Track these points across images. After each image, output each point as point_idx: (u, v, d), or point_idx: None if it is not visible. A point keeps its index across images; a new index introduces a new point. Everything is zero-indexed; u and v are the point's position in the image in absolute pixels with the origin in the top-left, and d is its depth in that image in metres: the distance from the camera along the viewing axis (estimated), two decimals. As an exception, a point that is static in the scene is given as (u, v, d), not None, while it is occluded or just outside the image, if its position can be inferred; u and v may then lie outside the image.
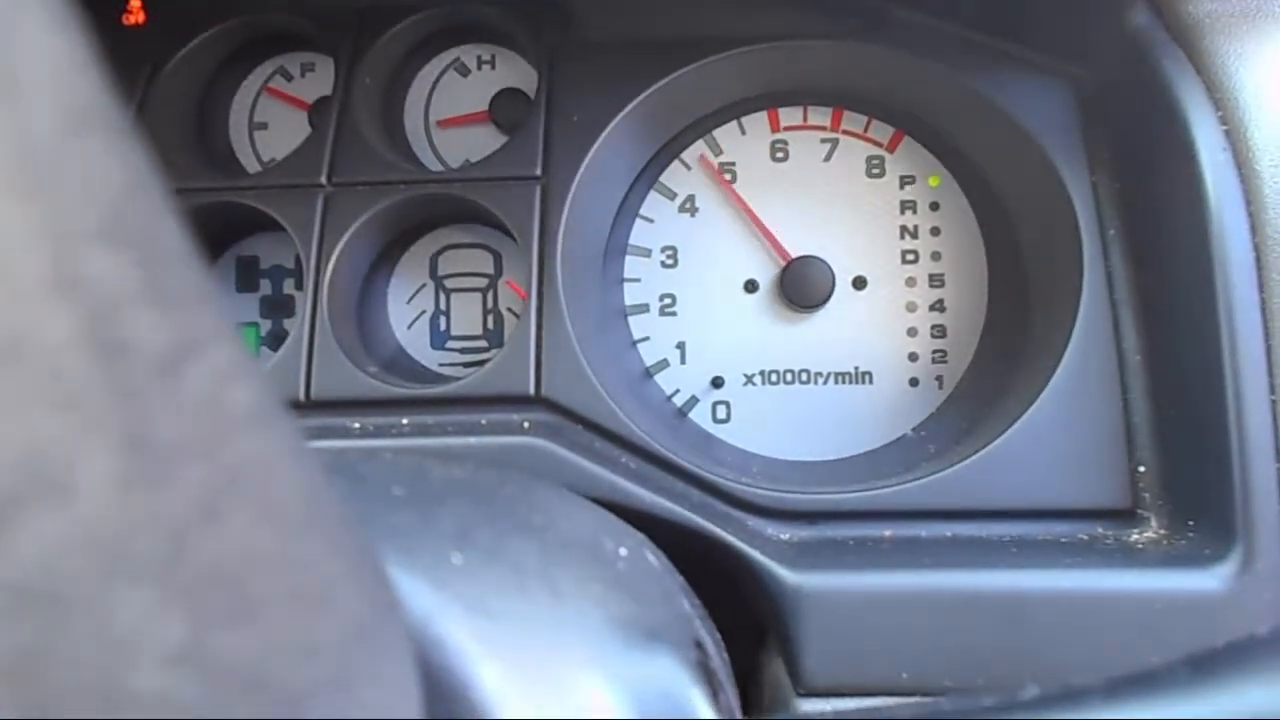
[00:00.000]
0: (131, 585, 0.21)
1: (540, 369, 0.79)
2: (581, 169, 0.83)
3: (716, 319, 0.92)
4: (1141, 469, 0.74)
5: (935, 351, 0.90)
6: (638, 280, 0.92)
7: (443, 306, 0.95)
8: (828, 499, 0.75)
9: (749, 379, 0.91)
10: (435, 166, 0.95)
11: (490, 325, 0.95)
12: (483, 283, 0.95)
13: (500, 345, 0.92)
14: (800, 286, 0.90)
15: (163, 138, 0.91)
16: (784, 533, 0.75)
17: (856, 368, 0.90)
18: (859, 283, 0.91)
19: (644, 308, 0.92)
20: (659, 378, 0.91)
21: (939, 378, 0.90)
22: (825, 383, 0.91)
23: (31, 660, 0.20)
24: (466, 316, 0.95)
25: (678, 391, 0.91)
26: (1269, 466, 0.66)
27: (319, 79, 0.99)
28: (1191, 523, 0.71)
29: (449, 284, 0.96)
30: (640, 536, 0.57)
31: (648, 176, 0.93)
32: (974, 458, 0.75)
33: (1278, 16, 0.72)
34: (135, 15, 0.94)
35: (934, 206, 0.91)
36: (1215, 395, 0.68)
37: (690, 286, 0.92)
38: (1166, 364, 0.74)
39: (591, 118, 0.85)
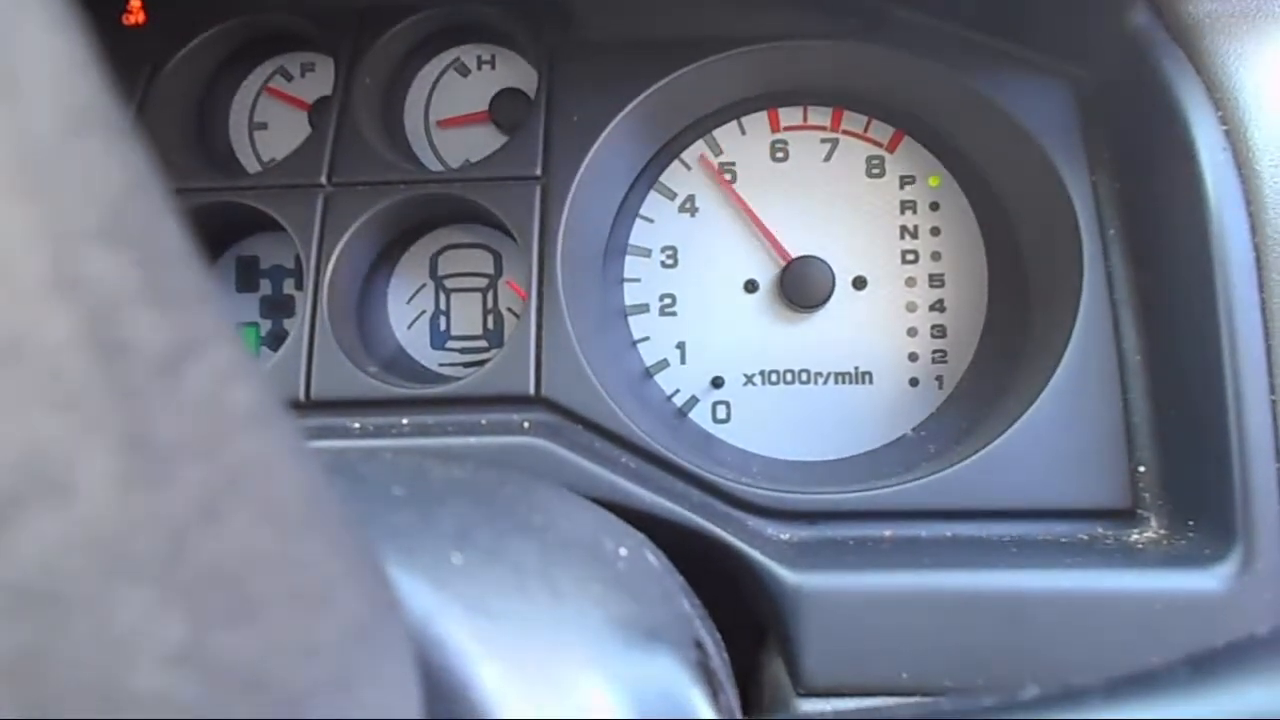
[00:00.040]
0: (131, 585, 0.21)
1: (540, 369, 0.79)
2: (581, 169, 0.83)
3: (716, 319, 0.92)
4: (1141, 469, 0.74)
5: (935, 351, 0.90)
6: (638, 280, 0.92)
7: (443, 306, 0.95)
8: (828, 499, 0.75)
9: (749, 379, 0.91)
10: (435, 166, 0.95)
11: (490, 325, 0.95)
12: (483, 283, 0.95)
13: (500, 345, 0.92)
14: (800, 286, 0.90)
15: (163, 138, 0.91)
16: (784, 533, 0.75)
17: (856, 368, 0.90)
18: (859, 283, 0.91)
19: (644, 308, 0.92)
20: (659, 378, 0.91)
21: (939, 378, 0.90)
22: (825, 383, 0.91)
23: (31, 660, 0.20)
24: (466, 316, 0.95)
25: (678, 391, 0.91)
26: (1269, 466, 0.66)
27: (319, 79, 0.99)
28: (1191, 523, 0.71)
29: (449, 284, 0.96)
30: (640, 536, 0.57)
31: (648, 176, 0.93)
32: (974, 458, 0.75)
33: (1278, 16, 0.72)
34: (135, 15, 0.94)
35: (934, 206, 0.91)
36: (1215, 395, 0.68)
37: (690, 286, 0.92)
38: (1166, 364, 0.74)
39: (591, 118, 0.85)
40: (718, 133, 0.93)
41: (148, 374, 0.21)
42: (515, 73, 0.97)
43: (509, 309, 0.95)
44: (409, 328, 0.95)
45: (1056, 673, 0.50)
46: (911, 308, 0.91)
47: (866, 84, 0.90)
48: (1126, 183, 0.79)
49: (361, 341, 0.87)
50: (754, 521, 0.75)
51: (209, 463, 0.22)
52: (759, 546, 0.70)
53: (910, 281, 0.91)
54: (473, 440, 0.75)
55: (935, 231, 0.91)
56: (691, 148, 0.93)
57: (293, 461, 0.26)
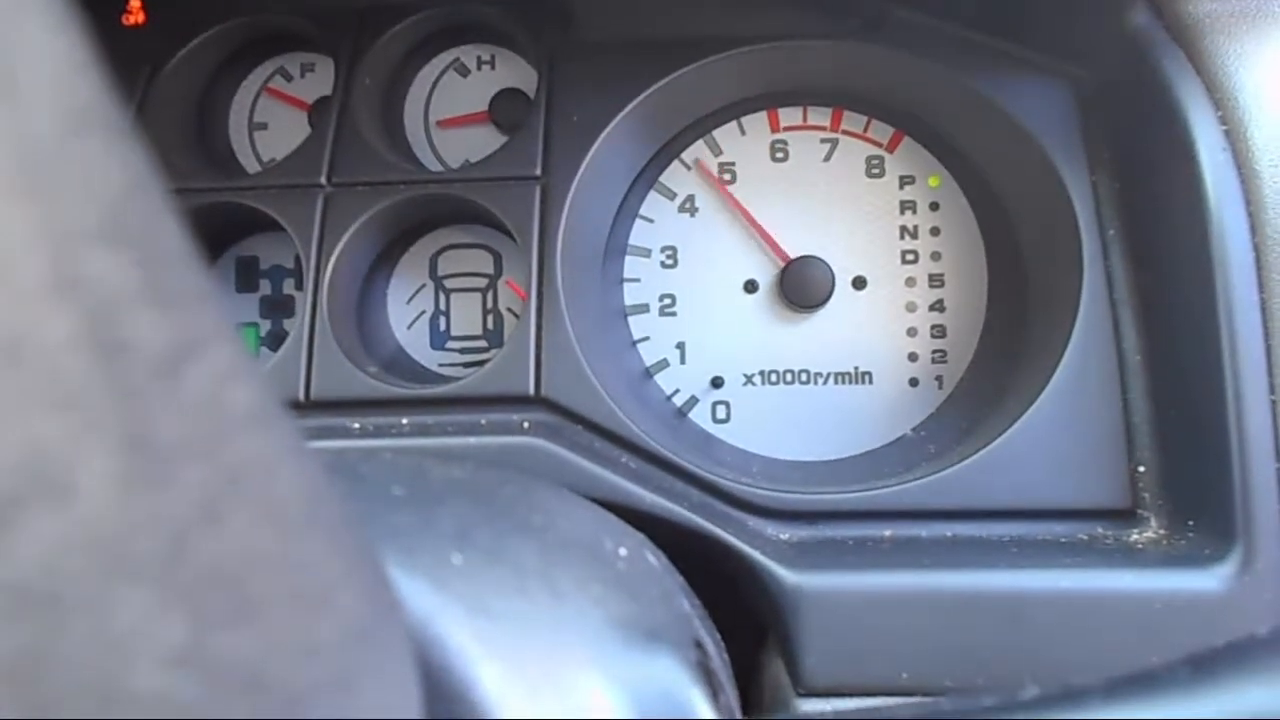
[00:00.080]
0: (131, 586, 0.21)
1: (540, 369, 0.79)
2: (581, 169, 0.83)
3: (716, 319, 0.92)
4: (1141, 469, 0.74)
5: (935, 351, 0.90)
6: (637, 280, 0.93)
7: (442, 306, 0.95)
8: (828, 499, 0.76)
9: (749, 379, 0.91)
10: (435, 167, 0.95)
11: (490, 325, 0.95)
12: (482, 283, 0.95)
13: (500, 345, 0.92)
14: (800, 286, 0.90)
15: (162, 138, 0.91)
16: (784, 533, 0.75)
17: (856, 368, 0.90)
18: (859, 283, 0.91)
19: (644, 308, 0.92)
20: (659, 378, 0.91)
21: (939, 378, 0.90)
22: (825, 383, 0.91)
23: (31, 661, 0.20)
24: (466, 316, 0.95)
25: (677, 391, 0.91)
26: (1269, 466, 0.66)
27: (319, 79, 0.99)
28: (1191, 523, 0.71)
29: (449, 284, 0.96)
30: (640, 536, 0.57)
31: (647, 176, 0.93)
32: (974, 458, 0.75)
33: (1277, 16, 0.72)
34: (135, 15, 0.94)
35: (934, 206, 0.91)
36: (1215, 395, 0.68)
37: (690, 286, 0.92)
38: (1166, 364, 0.74)
39: (591, 118, 0.85)
40: (717, 133, 0.93)
41: (148, 374, 0.21)
42: (515, 73, 0.97)
43: (509, 309, 0.95)
44: (409, 328, 0.95)
45: (1056, 673, 0.50)
46: (911, 308, 0.91)
47: (866, 84, 0.90)
48: (1126, 183, 0.79)
49: (361, 342, 0.87)
50: (754, 521, 0.75)
51: (209, 463, 0.22)
52: (759, 546, 0.70)
53: (910, 281, 0.91)
54: (472, 440, 0.75)
55: (935, 231, 0.91)
56: (691, 149, 0.93)
57: (293, 462, 0.26)
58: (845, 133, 0.93)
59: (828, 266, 0.90)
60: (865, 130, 0.93)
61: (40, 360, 0.19)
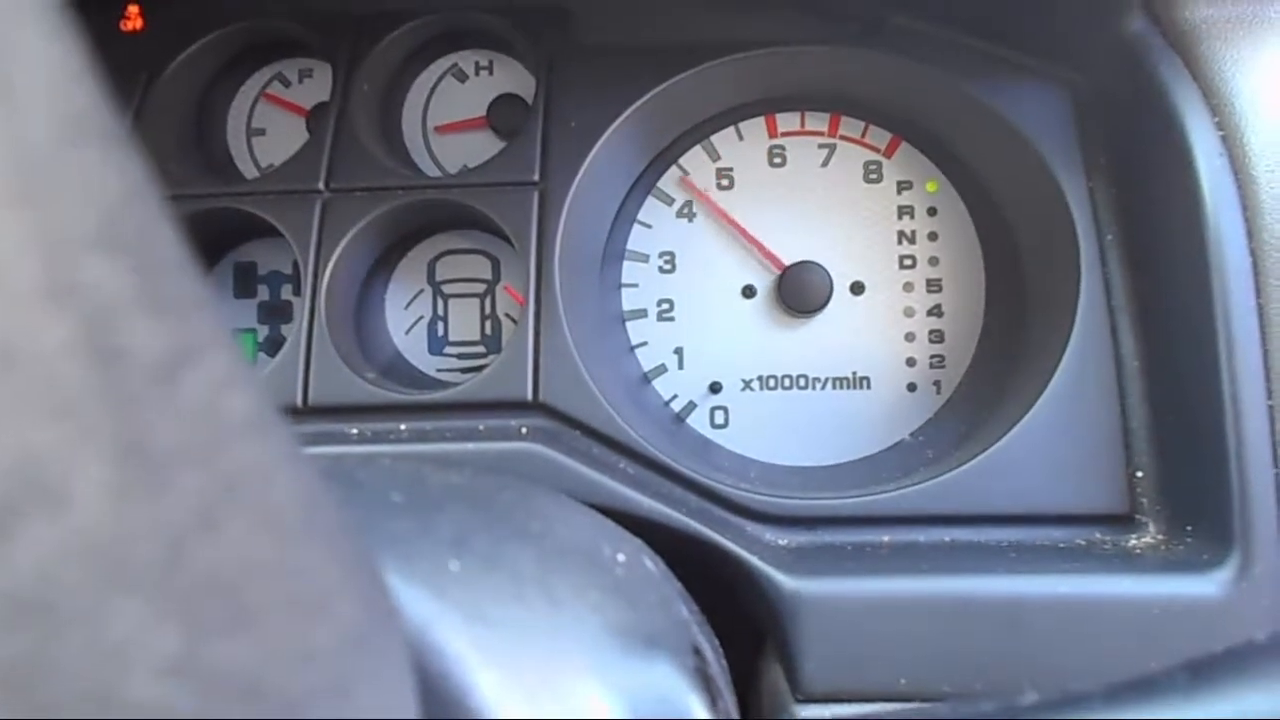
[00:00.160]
0: (127, 594, 0.21)
1: (538, 374, 0.79)
2: (579, 174, 0.83)
3: (714, 324, 0.92)
4: (1139, 474, 0.74)
5: (933, 356, 0.90)
6: (635, 285, 0.93)
7: (440, 312, 0.95)
8: (826, 504, 0.75)
9: (747, 384, 0.91)
10: (433, 172, 0.95)
11: (488, 330, 0.95)
12: (480, 288, 0.95)
13: (498, 351, 0.92)
14: (798, 292, 0.90)
15: (160, 144, 0.91)
16: (782, 538, 0.75)
17: (854, 373, 0.90)
18: (856, 288, 0.91)
19: (642, 313, 0.92)
20: (657, 383, 0.91)
21: (937, 383, 0.90)
22: (823, 388, 0.91)
23: (27, 670, 0.20)
24: (464, 322, 0.95)
25: (676, 397, 0.91)
26: (1266, 472, 0.66)
27: (317, 85, 0.99)
28: (1189, 528, 0.71)
29: (447, 289, 0.96)
30: (638, 542, 0.57)
31: (645, 182, 0.93)
32: (972, 463, 0.75)
33: (1273, 22, 0.72)
34: (133, 21, 0.94)
35: (931, 211, 0.92)
36: (1212, 400, 0.68)
37: (688, 291, 0.92)
38: (1164, 369, 0.74)
39: (589, 123, 0.85)
40: (715, 138, 0.93)
41: (144, 382, 0.21)
42: (513, 78, 0.97)
43: (507, 314, 0.95)
44: (407, 333, 0.95)
45: (1055, 678, 0.50)
46: (909, 313, 0.91)
47: (864, 89, 0.90)
48: (1123, 188, 0.79)
49: (359, 347, 0.87)
50: (752, 527, 0.75)
51: (205, 470, 0.22)
52: (757, 552, 0.70)
53: (908, 286, 0.91)
54: (470, 446, 0.75)
55: (933, 236, 0.91)
56: (689, 154, 0.93)
57: (289, 469, 0.26)
58: (843, 138, 0.93)
59: (825, 272, 0.90)
60: (863, 135, 0.93)
61: (36, 367, 0.19)
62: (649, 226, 0.93)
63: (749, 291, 0.92)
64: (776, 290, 0.91)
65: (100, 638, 0.21)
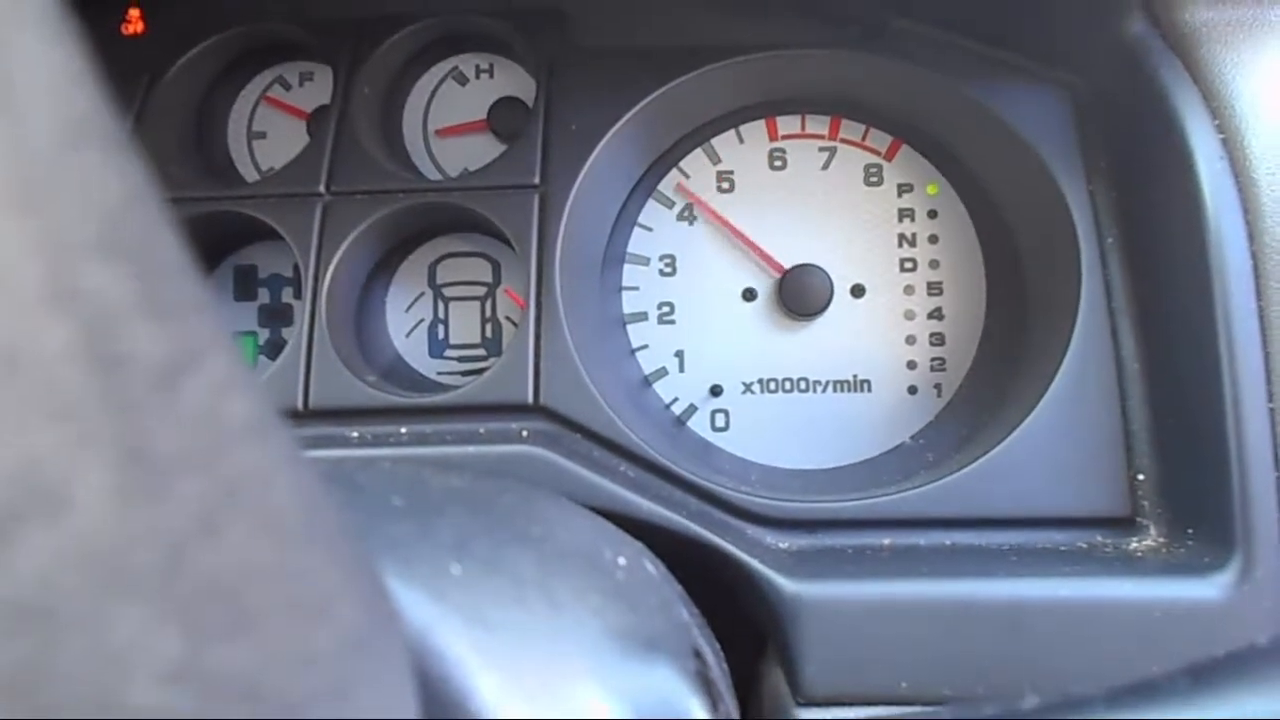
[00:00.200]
0: (128, 600, 0.21)
1: (539, 377, 0.79)
2: (580, 177, 0.83)
3: (715, 327, 0.92)
4: (1140, 477, 0.74)
5: (934, 359, 0.90)
6: (636, 288, 0.93)
7: (441, 315, 0.95)
8: (826, 507, 0.75)
9: (747, 387, 0.91)
10: (434, 175, 0.95)
11: (489, 334, 0.95)
12: (481, 291, 0.95)
13: (499, 354, 0.92)
14: (798, 295, 0.90)
15: (161, 147, 0.91)
16: (783, 541, 0.75)
17: (855, 376, 0.90)
18: (857, 291, 0.91)
19: (642, 316, 0.92)
20: (657, 386, 0.91)
21: (937, 385, 0.90)
22: (824, 391, 0.91)
23: (29, 675, 0.20)
24: (465, 325, 0.95)
25: (676, 400, 0.91)
26: (1267, 474, 0.66)
27: (317, 88, 0.99)
28: (1190, 531, 0.71)
29: (447, 292, 0.96)
30: (639, 545, 0.57)
31: (646, 185, 0.93)
32: (973, 466, 0.75)
33: (1273, 25, 0.72)
34: (134, 25, 0.94)
35: (932, 214, 0.92)
36: (1213, 403, 0.68)
37: (689, 294, 0.92)
38: (1165, 372, 0.74)
39: (590, 126, 0.85)
40: (716, 141, 0.93)
41: (145, 386, 0.21)
42: (513, 81, 0.97)
43: (507, 317, 0.95)
44: (407, 336, 0.95)
45: (1056, 681, 0.50)
46: (910, 315, 0.91)
47: (864, 92, 0.90)
48: (1124, 191, 0.79)
49: (360, 350, 0.87)
50: (753, 530, 0.75)
51: (206, 475, 0.22)
52: (758, 555, 0.70)
53: (908, 289, 0.91)
54: (471, 449, 0.75)
55: (933, 239, 0.91)
56: (689, 157, 0.93)
57: (290, 473, 0.26)
58: (843, 141, 0.93)
59: (826, 274, 0.90)
60: (863, 138, 0.93)
61: (37, 372, 0.19)
62: (649, 229, 0.93)
63: (749, 294, 0.92)
64: (777, 293, 0.91)
65: (101, 643, 0.21)
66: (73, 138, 0.21)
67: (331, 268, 0.82)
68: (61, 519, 0.20)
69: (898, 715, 0.63)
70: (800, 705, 0.66)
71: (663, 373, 0.91)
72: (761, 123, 0.94)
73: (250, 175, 0.98)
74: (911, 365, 0.90)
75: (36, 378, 0.19)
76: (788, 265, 0.91)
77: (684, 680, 0.45)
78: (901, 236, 0.91)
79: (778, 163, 0.93)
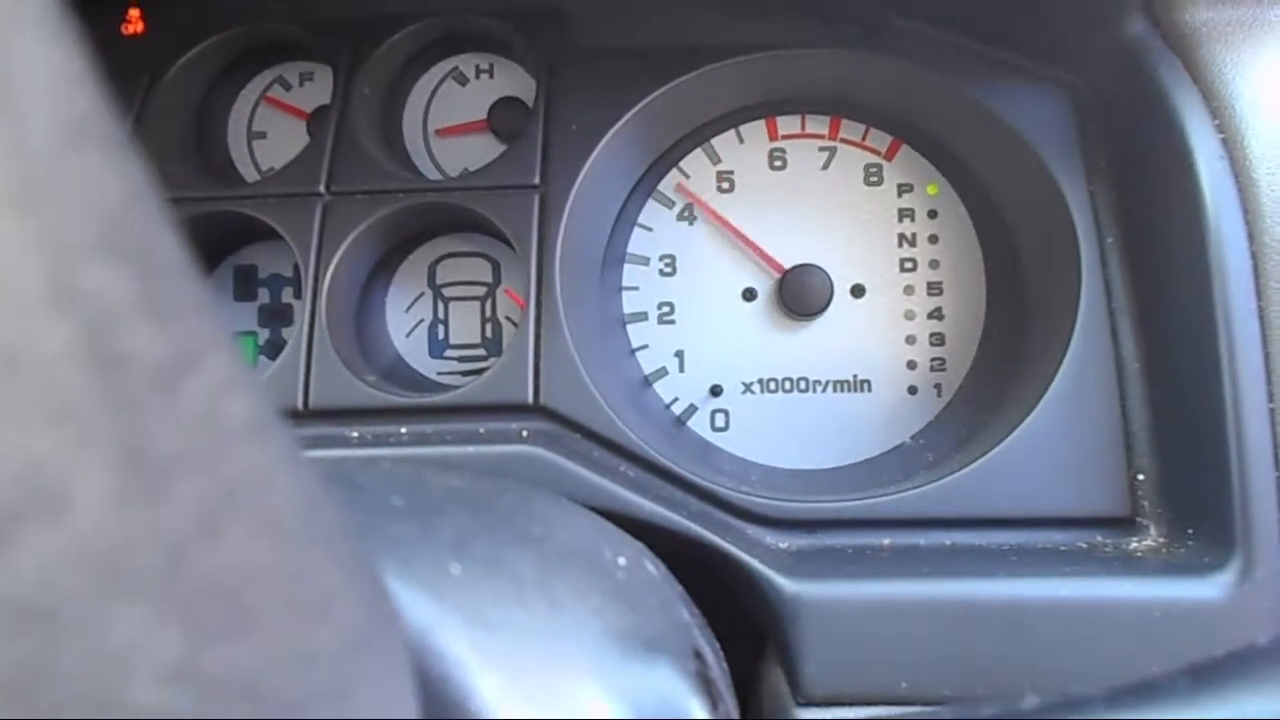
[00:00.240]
0: (128, 600, 0.21)
1: (539, 377, 0.79)
2: (580, 177, 0.83)
3: (715, 327, 0.92)
4: (1140, 477, 0.74)
5: (934, 359, 0.90)
6: (636, 288, 0.93)
7: (441, 315, 0.95)
8: (827, 507, 0.75)
9: (747, 387, 0.91)
10: (434, 175, 0.95)
11: (489, 334, 0.95)
12: (481, 291, 0.95)
13: (499, 354, 0.92)
14: (798, 294, 0.90)
15: (161, 147, 0.91)
16: (783, 541, 0.75)
17: (855, 375, 0.90)
18: (857, 291, 0.91)
19: (642, 316, 0.92)
20: (657, 386, 0.91)
21: (937, 385, 0.90)
22: (824, 391, 0.91)
23: (29, 675, 0.20)
24: (465, 325, 0.95)
25: (676, 400, 0.91)
26: (1268, 474, 0.66)
27: (317, 88, 0.99)
28: (1190, 531, 0.71)
29: (447, 292, 0.96)
30: (639, 545, 0.57)
31: (646, 185, 0.93)
32: (973, 466, 0.75)
33: (1273, 25, 0.72)
34: (134, 25, 0.94)
35: (932, 214, 0.92)
36: (1213, 403, 0.68)
37: (689, 294, 0.92)
38: (1165, 372, 0.74)
39: (590, 126, 0.85)
40: (716, 141, 0.93)
41: (145, 387, 0.21)
42: (513, 81, 0.97)
43: (507, 317, 0.95)
44: (407, 336, 0.95)
45: (1056, 681, 0.50)
46: (910, 315, 0.91)
47: (864, 92, 0.90)
48: (1124, 191, 0.79)
49: (360, 350, 0.87)
50: (753, 530, 0.75)
51: (206, 476, 0.22)
52: (758, 555, 0.70)
53: (908, 289, 0.91)
54: (471, 449, 0.75)
55: (933, 239, 0.91)
56: (689, 157, 0.93)
57: (290, 473, 0.26)
58: (843, 141, 0.93)
59: (826, 274, 0.90)
60: (863, 138, 0.93)
61: (37, 373, 0.19)
62: (649, 230, 0.93)
63: (750, 294, 0.92)
64: (777, 293, 0.91)
65: (101, 643, 0.21)
66: (73, 138, 0.21)
67: (331, 268, 0.82)
68: (62, 519, 0.20)
69: (898, 715, 0.63)
70: (800, 705, 0.66)
71: (663, 373, 0.91)
72: (761, 123, 0.94)
73: (250, 175, 0.98)
74: (911, 365, 0.90)
75: (37, 378, 0.19)
76: (788, 265, 0.91)
77: (684, 680, 0.45)
78: (901, 236, 0.91)
79: (778, 163, 0.93)
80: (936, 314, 0.90)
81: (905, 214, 0.92)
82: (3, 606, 0.19)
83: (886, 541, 0.75)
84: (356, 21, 0.92)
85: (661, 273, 0.93)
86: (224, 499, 0.23)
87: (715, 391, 0.91)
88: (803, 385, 0.91)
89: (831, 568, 0.70)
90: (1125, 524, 0.74)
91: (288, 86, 0.99)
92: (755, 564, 0.69)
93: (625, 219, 0.93)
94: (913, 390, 0.90)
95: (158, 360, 0.21)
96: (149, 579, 0.21)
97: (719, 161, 0.93)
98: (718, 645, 0.55)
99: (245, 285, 0.98)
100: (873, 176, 0.92)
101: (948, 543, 0.75)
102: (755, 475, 0.86)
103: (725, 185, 0.93)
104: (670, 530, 0.72)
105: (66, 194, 0.20)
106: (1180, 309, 0.72)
